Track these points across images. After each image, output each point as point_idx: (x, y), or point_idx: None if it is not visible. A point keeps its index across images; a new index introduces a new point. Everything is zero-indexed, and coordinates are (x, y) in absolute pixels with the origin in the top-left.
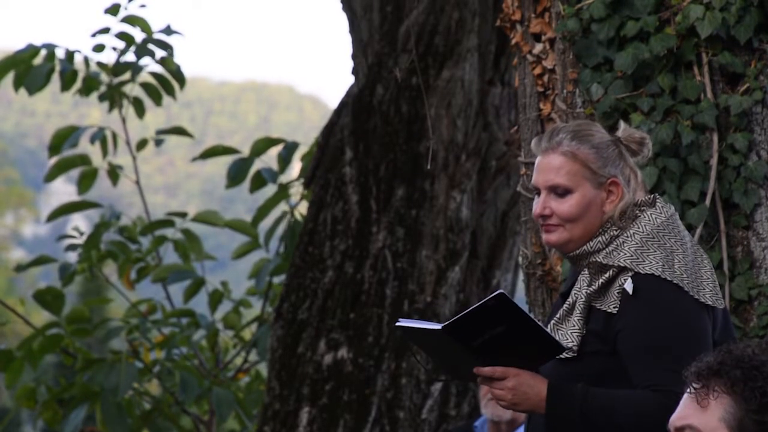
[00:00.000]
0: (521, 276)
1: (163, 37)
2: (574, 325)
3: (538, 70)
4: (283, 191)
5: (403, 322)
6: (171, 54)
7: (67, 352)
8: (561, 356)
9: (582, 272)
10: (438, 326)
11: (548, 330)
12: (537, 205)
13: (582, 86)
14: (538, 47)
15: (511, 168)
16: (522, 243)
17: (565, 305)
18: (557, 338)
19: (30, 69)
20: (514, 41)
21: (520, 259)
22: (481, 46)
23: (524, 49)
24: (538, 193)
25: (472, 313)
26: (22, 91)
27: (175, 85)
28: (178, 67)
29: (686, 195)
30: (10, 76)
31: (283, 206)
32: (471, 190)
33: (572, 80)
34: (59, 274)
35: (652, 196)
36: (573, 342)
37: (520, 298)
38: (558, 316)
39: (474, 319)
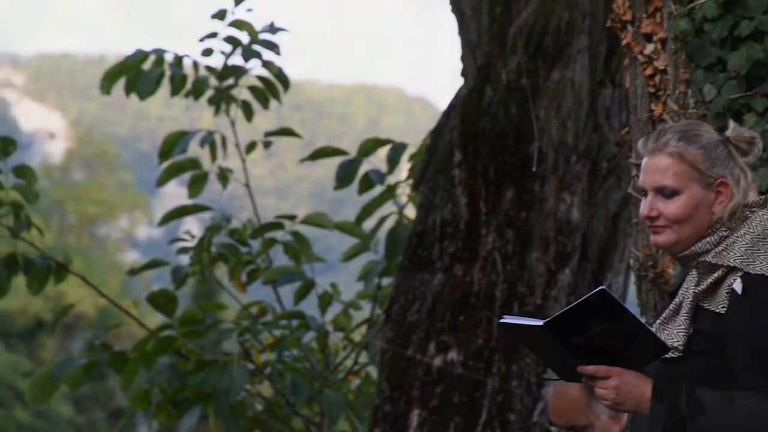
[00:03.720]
0: (632, 278)
1: (268, 36)
2: (680, 325)
3: (649, 71)
4: (389, 192)
5: (507, 319)
6: (277, 53)
7: (181, 354)
8: (666, 356)
9: (690, 272)
10: (540, 322)
11: (653, 329)
12: (644, 207)
13: (694, 87)
14: (650, 48)
15: (622, 170)
16: (633, 245)
17: (671, 305)
18: (662, 338)
19: (140, 74)
20: (624, 42)
21: (631, 261)
22: (592, 47)
23: (635, 50)
24: (645, 195)
25: (573, 309)
26: (136, 95)
27: (280, 87)
28: (280, 70)
29: None
30: (122, 82)
31: (389, 207)
32: (581, 192)
33: (684, 81)
34: (172, 277)
35: (764, 197)
36: (679, 341)
37: (631, 300)
38: (664, 315)
39: (575, 315)
